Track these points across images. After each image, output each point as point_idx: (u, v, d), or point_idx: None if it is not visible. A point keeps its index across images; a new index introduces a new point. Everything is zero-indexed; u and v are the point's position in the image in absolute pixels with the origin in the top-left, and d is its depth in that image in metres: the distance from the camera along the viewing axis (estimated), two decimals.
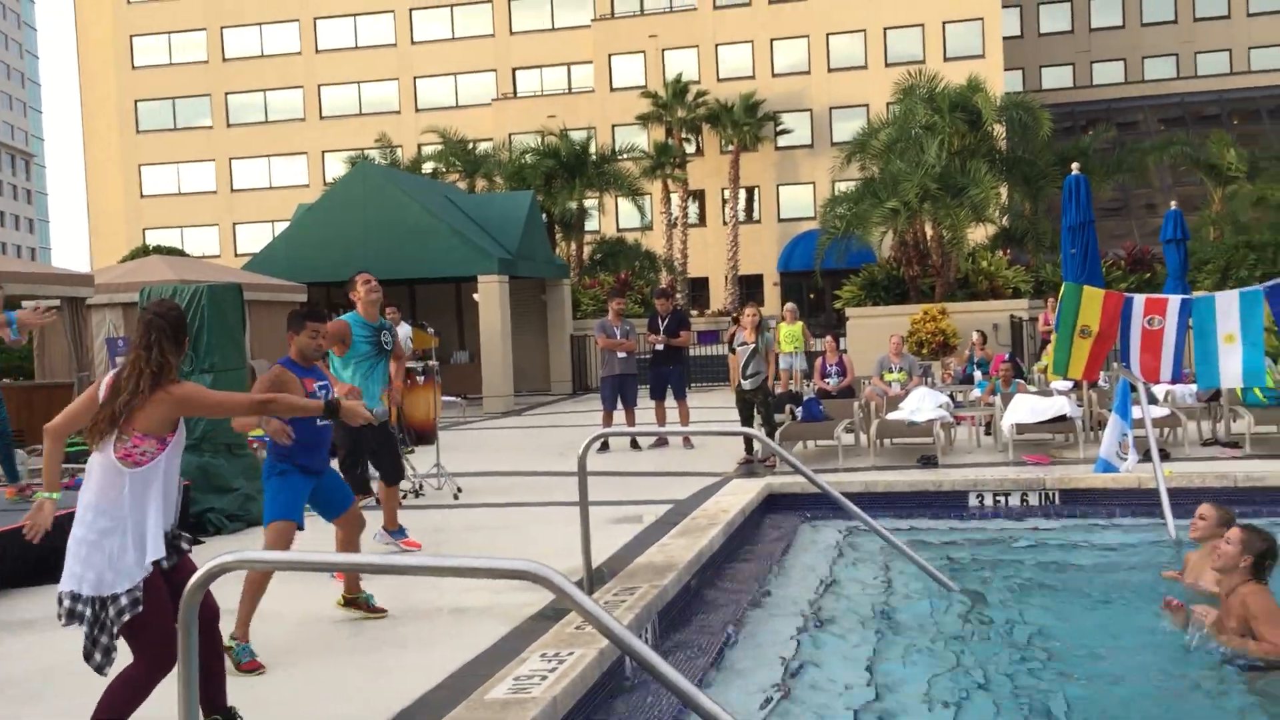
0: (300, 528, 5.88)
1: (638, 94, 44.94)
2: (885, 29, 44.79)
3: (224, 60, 52.90)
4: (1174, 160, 33.15)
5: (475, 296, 20.86)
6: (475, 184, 36.00)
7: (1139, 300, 11.16)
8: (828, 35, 45.46)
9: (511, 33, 50.96)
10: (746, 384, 11.97)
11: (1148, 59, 52.68)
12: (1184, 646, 5.62)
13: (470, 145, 37.66)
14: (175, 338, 4.26)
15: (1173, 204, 17.10)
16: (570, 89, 49.91)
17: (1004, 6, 45.69)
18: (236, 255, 47.99)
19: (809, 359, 17.12)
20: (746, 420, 12.07)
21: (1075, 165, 13.02)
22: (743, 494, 9.16)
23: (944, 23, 44.13)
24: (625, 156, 39.13)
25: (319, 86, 52.13)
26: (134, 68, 53.40)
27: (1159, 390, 11.99)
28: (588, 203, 36.85)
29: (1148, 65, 52.54)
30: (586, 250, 36.63)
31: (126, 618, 4.02)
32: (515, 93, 50.52)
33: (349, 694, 5.06)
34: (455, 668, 5.20)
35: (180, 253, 35.50)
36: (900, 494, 9.52)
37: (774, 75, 45.83)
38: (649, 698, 4.88)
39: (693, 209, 46.24)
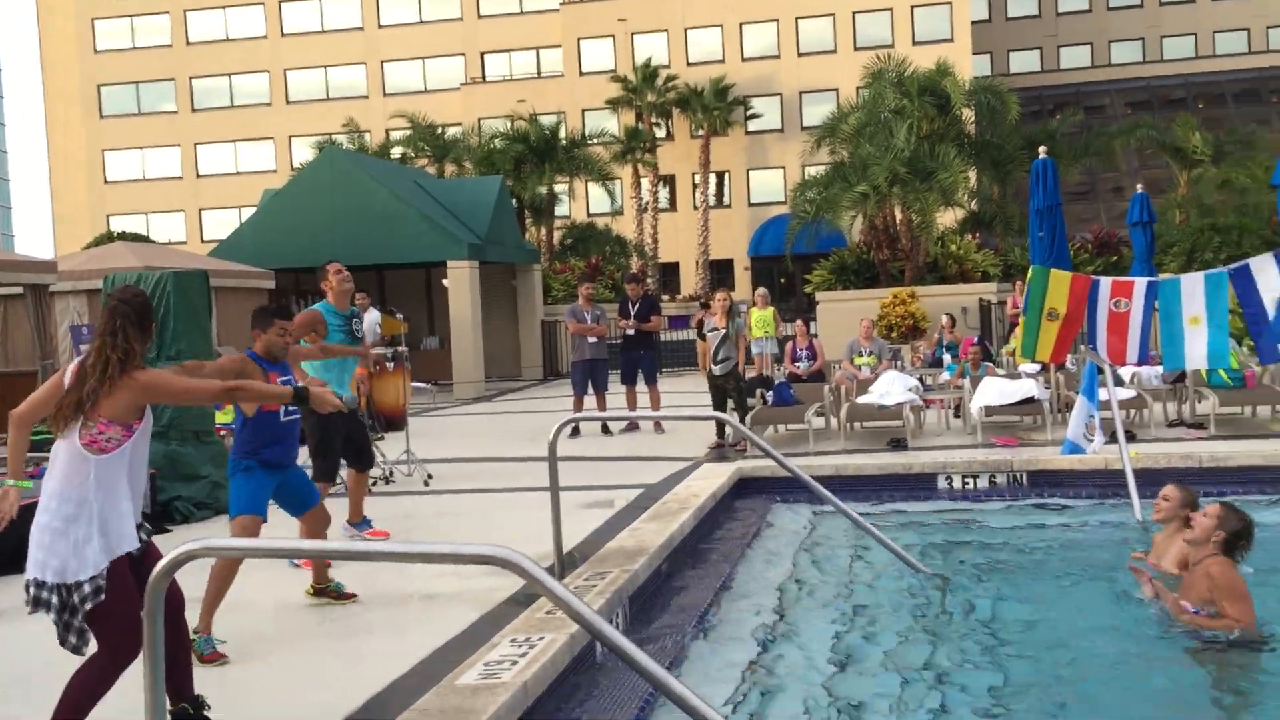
0: (264, 520, 5.85)
1: (607, 78, 44.78)
2: (854, 13, 44.82)
3: (188, 44, 52.28)
4: (1140, 144, 33.37)
5: (445, 282, 20.76)
6: (444, 169, 35.78)
7: (1105, 283, 11.25)
8: (797, 19, 45.44)
9: (480, 16, 50.63)
10: (717, 369, 11.98)
11: (1114, 43, 53.01)
12: (1149, 619, 5.69)
13: (439, 130, 37.40)
14: (141, 324, 4.22)
15: (1139, 187, 17.22)
16: (539, 73, 49.67)
17: None
18: (203, 241, 47.52)
19: (780, 343, 17.16)
20: (718, 405, 12.09)
21: (1043, 149, 13.06)
22: (714, 478, 9.17)
23: (912, 7, 44.21)
24: (595, 141, 39.01)
25: (285, 71, 51.61)
26: (96, 51, 52.69)
27: (1125, 372, 12.09)
28: (558, 188, 36.72)
29: (1114, 49, 52.87)
30: (557, 235, 36.52)
31: (89, 606, 3.99)
32: (484, 77, 50.22)
33: (319, 681, 5.04)
34: (426, 654, 5.18)
35: (145, 239, 35.12)
36: (870, 477, 9.57)
37: (744, 59, 45.79)
38: (620, 682, 4.88)
39: (663, 194, 46.18)
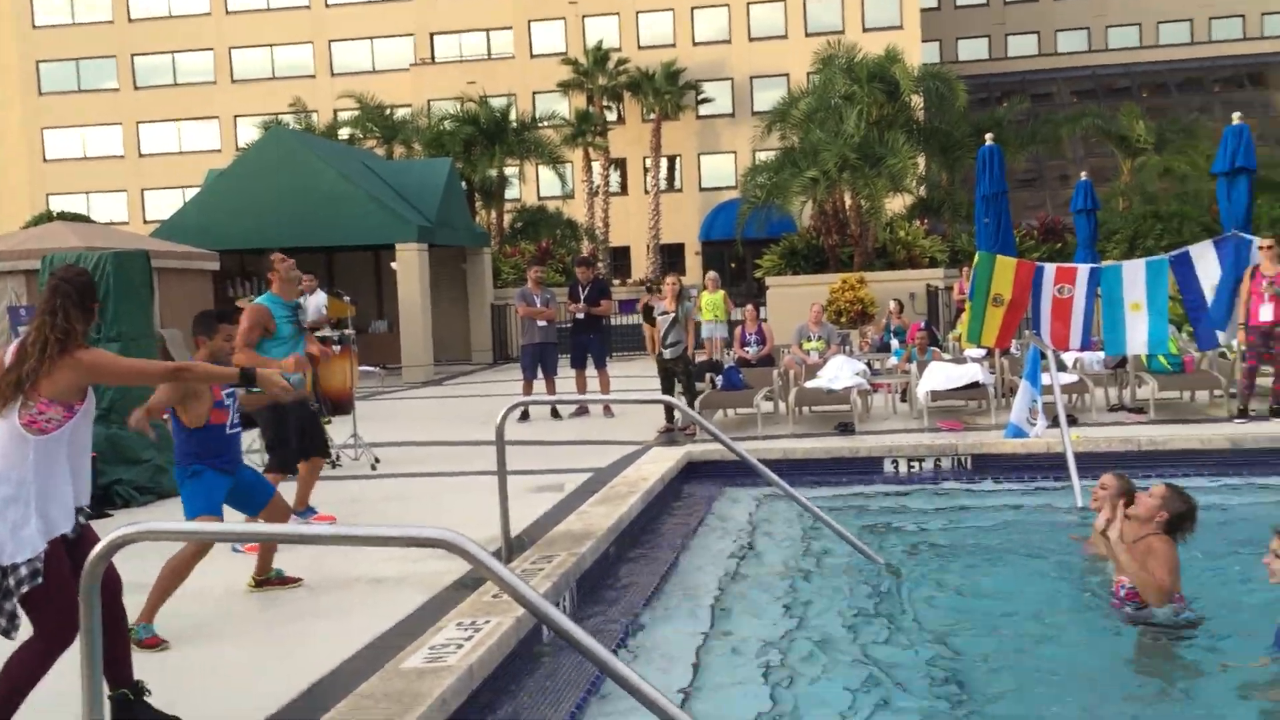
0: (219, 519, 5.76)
1: (558, 61, 44.53)
2: None
3: (130, 20, 51.23)
4: (1086, 132, 33.79)
5: (393, 265, 20.58)
6: (393, 150, 35.42)
7: (1049, 269, 11.40)
8: (748, 4, 45.46)
9: None
10: (667, 353, 12.00)
11: (1061, 32, 53.59)
12: (1089, 602, 5.79)
13: (388, 111, 37.00)
14: (82, 304, 4.18)
15: (1084, 174, 17.44)
16: (490, 55, 49.28)
17: None
18: (145, 222, 46.70)
19: (730, 328, 17.21)
20: (667, 389, 12.10)
21: (989, 136, 13.19)
22: (663, 462, 9.20)
23: None
24: (546, 124, 38.79)
25: (230, 49, 50.76)
26: (35, 27, 51.49)
27: (1068, 357, 12.27)
28: (508, 170, 36.50)
29: (1061, 38, 53.46)
30: (507, 218, 36.31)
31: (25, 589, 3.92)
32: (434, 58, 49.73)
33: (262, 666, 4.99)
34: (371, 638, 5.14)
35: (86, 219, 34.43)
36: (818, 460, 9.65)
37: (695, 44, 45.75)
38: (566, 665, 4.89)
39: (614, 177, 46.07)
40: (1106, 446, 9.14)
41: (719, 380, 12.65)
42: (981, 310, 11.27)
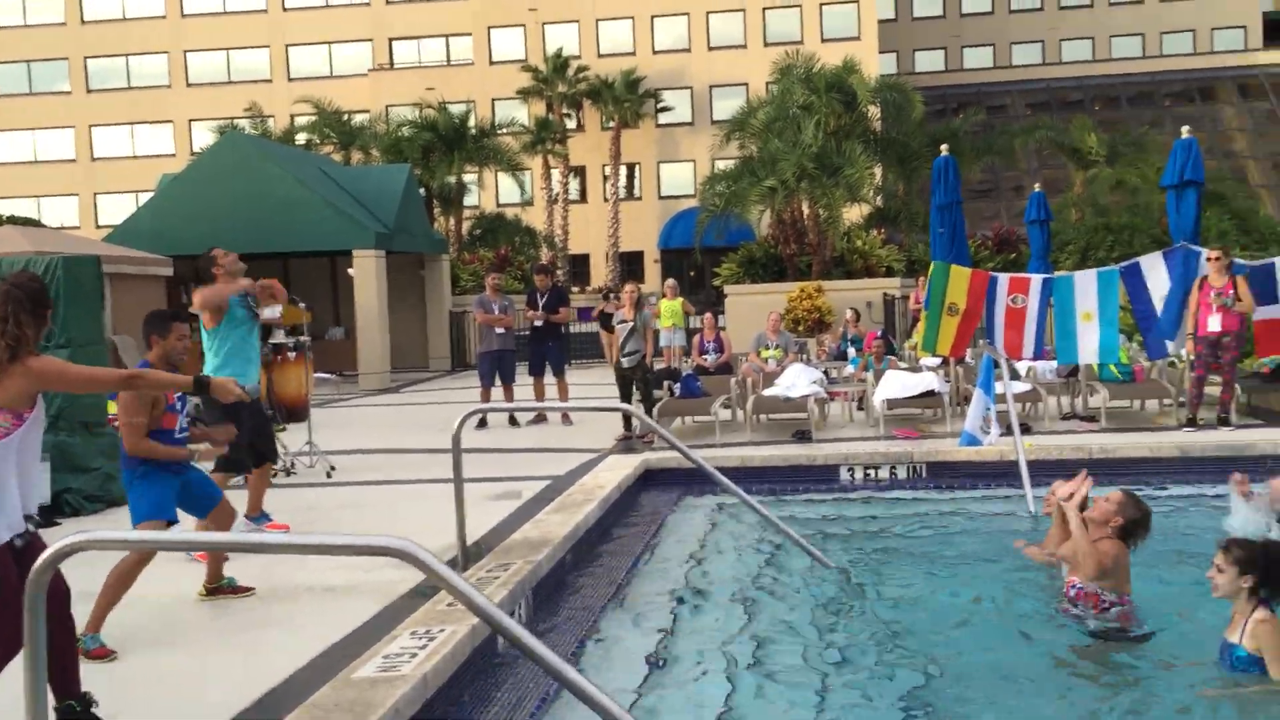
0: (174, 522, 5.67)
1: (518, 68, 44.50)
2: (764, 9, 45.21)
3: (83, 23, 50.61)
4: (1039, 144, 34.21)
5: (350, 271, 20.42)
6: (350, 156, 35.17)
7: (1003, 279, 11.56)
8: (708, 13, 45.68)
9: (388, 3, 49.93)
10: (625, 360, 12.00)
11: (1015, 45, 54.30)
12: (1040, 610, 5.85)
13: (345, 116, 36.77)
14: (34, 310, 4.12)
15: (1037, 186, 17.67)
16: (449, 61, 49.14)
17: None
18: (98, 226, 46.09)
19: (688, 335, 17.25)
20: (625, 397, 12.11)
21: (944, 147, 13.35)
22: (620, 470, 9.19)
23: (821, 4, 44.75)
24: (505, 131, 38.70)
25: (185, 52, 50.26)
26: None
27: (1021, 366, 12.41)
28: (467, 177, 36.36)
29: (1015, 51, 54.16)
30: (466, 225, 36.17)
31: None
32: (392, 64, 49.51)
33: (212, 676, 4.93)
34: (324, 647, 5.10)
35: (36, 223, 33.90)
36: (775, 468, 9.68)
37: (655, 52, 45.89)
38: (522, 674, 4.87)
39: (574, 185, 46.07)
40: (1059, 454, 9.24)
41: (677, 388, 12.67)
42: (937, 319, 11.40)
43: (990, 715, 4.73)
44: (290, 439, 11.41)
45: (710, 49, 45.71)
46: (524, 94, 44.07)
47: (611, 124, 44.51)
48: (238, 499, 7.79)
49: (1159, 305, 11.25)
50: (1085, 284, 11.34)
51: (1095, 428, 11.33)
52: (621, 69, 44.14)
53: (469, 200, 38.23)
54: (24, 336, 4.04)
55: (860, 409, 13.14)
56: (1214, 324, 10.62)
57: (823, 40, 42.60)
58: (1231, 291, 10.59)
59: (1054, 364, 12.62)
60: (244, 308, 7.61)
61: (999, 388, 9.54)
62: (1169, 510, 7.92)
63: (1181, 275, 11.02)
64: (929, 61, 54.09)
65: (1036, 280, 11.56)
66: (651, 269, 44.50)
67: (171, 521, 5.64)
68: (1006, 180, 43.26)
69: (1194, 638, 5.22)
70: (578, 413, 13.91)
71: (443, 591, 5.15)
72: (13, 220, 32.19)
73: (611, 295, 17.54)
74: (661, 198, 46.19)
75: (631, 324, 11.98)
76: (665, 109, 45.80)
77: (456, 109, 37.53)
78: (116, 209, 46.53)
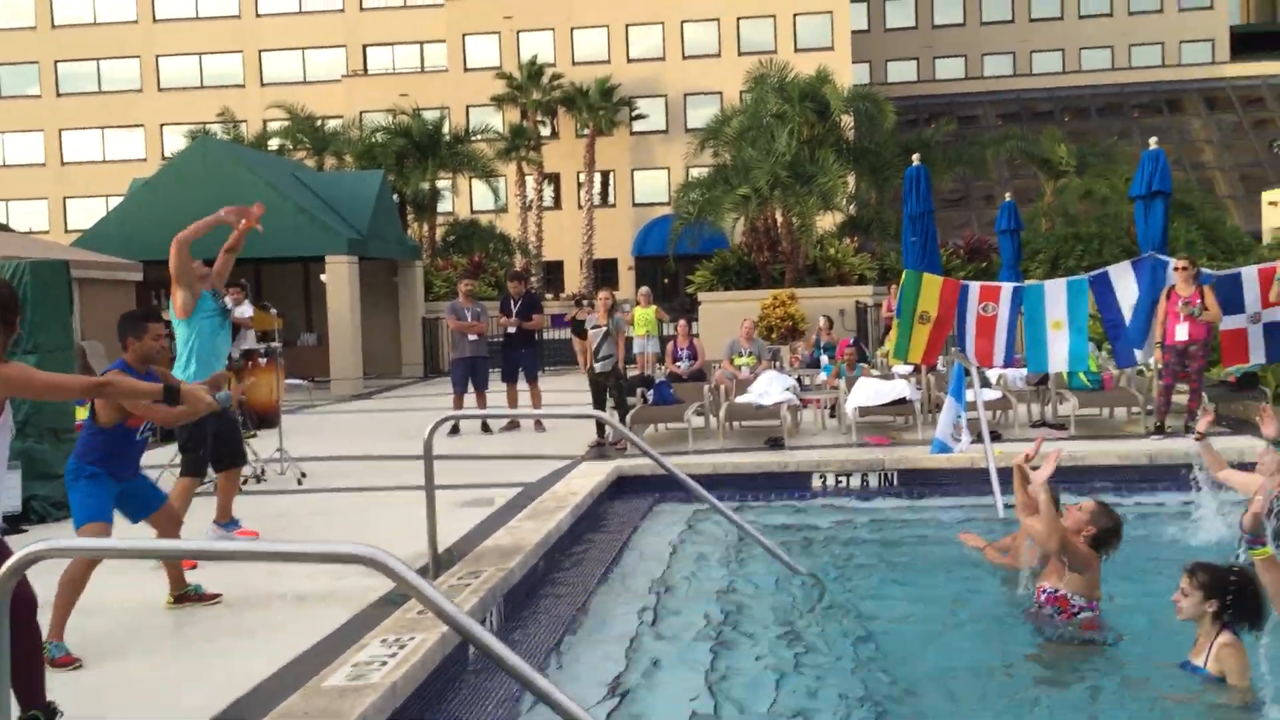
0: (109, 523, 5.62)
1: (492, 75, 44.44)
2: (738, 18, 45.37)
3: (53, 26, 50.19)
4: (1010, 154, 34.48)
5: (323, 278, 20.32)
6: (324, 162, 35.06)
7: (974, 288, 11.65)
8: (682, 23, 45.79)
9: (362, 9, 49.79)
10: (598, 367, 12.01)
11: (987, 56, 54.70)
12: (1011, 614, 5.89)
13: (319, 122, 36.66)
14: (3, 317, 4.08)
15: (1008, 196, 17.80)
16: (423, 68, 49.04)
17: (852, 1, 46.77)
18: (67, 231, 45.67)
19: (661, 343, 17.25)
20: (598, 403, 12.11)
21: (916, 156, 13.41)
22: (592, 477, 9.19)
23: (795, 14, 44.95)
24: (479, 138, 38.67)
25: (157, 57, 49.92)
26: None
27: (992, 374, 12.49)
28: (441, 184, 36.29)
29: (987, 62, 54.56)
30: (439, 232, 36.09)
31: None
32: (366, 70, 49.37)
33: (180, 686, 4.88)
34: (293, 655, 5.06)
35: (5, 228, 33.56)
36: (747, 475, 9.71)
37: (629, 60, 45.95)
38: (492, 682, 4.86)
39: (548, 192, 46.04)
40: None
41: (650, 395, 12.68)
42: (908, 327, 11.47)
43: (955, 716, 4.76)
44: (261, 445, 11.33)
45: (685, 58, 45.82)
46: (498, 101, 44.03)
47: (586, 131, 44.54)
48: (208, 506, 7.74)
49: (1127, 314, 11.36)
50: (1055, 293, 11.44)
51: (1065, 435, 11.41)
52: (596, 77, 44.19)
53: (443, 206, 38.16)
54: None
55: (833, 416, 13.19)
56: (1181, 333, 10.73)
57: (796, 50, 42.78)
58: (1198, 301, 10.71)
59: (1024, 372, 12.71)
60: (214, 299, 7.56)
61: (970, 395, 9.61)
62: (1136, 517, 7.99)
63: (1149, 284, 11.14)
64: (901, 72, 54.41)
65: (1007, 289, 11.65)
66: (625, 276, 44.53)
67: (109, 523, 5.60)
68: (978, 189, 43.57)
69: (1160, 644, 5.27)
70: (551, 419, 13.89)
71: (413, 599, 5.13)
72: None
73: (584, 302, 17.52)
74: (635, 205, 46.23)
75: (605, 328, 11.98)
76: (640, 117, 45.88)
77: (431, 115, 37.45)
78: (86, 213, 46.10)
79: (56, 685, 4.42)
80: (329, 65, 49.16)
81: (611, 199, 46.82)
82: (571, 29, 46.24)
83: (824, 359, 14.96)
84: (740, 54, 43.61)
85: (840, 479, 9.66)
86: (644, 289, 18.33)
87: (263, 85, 48.81)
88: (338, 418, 16.60)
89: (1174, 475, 9.16)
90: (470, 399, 13.83)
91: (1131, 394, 12.08)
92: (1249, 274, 11.14)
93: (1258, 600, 4.58)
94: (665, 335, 17.73)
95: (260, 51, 49.71)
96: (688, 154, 30.14)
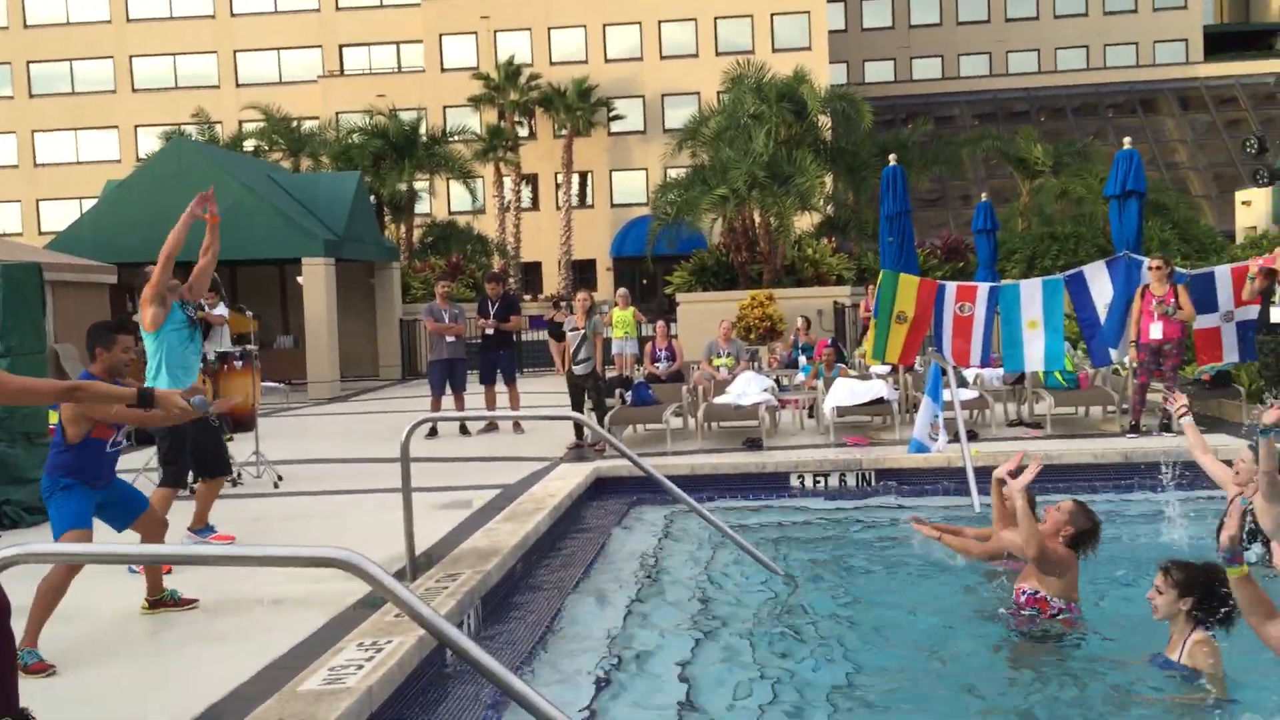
0: (90, 530, 5.58)
1: (469, 75, 44.34)
2: (715, 18, 45.42)
3: (25, 26, 49.75)
4: (986, 154, 34.65)
5: (300, 280, 20.23)
6: (300, 163, 34.88)
7: (951, 287, 11.70)
8: (659, 23, 45.81)
9: (338, 9, 49.57)
10: (577, 369, 12.00)
11: (963, 56, 54.98)
12: (988, 612, 5.92)
13: (294, 123, 36.45)
14: None
15: (984, 195, 17.88)
16: (400, 68, 48.89)
17: (829, 1, 46.91)
18: (40, 233, 45.28)
19: (640, 344, 17.25)
20: (577, 405, 12.09)
21: (893, 157, 13.47)
22: (571, 478, 9.18)
23: (772, 14, 45.04)
24: (456, 138, 38.59)
25: (130, 57, 49.57)
26: None
27: (968, 374, 12.55)
28: (418, 185, 36.17)
29: (963, 62, 54.83)
30: (417, 233, 35.98)
31: None
32: (342, 70, 49.16)
33: (156, 691, 4.84)
34: (269, 660, 5.03)
35: None
36: (725, 476, 9.72)
37: (607, 61, 45.94)
38: (470, 685, 4.84)
39: (525, 193, 45.98)
40: (1005, 461, 9.33)
41: (629, 396, 12.68)
42: (886, 327, 11.51)
43: (931, 713, 4.78)
44: (237, 449, 11.26)
45: (662, 58, 45.85)
46: (476, 102, 43.92)
47: (564, 132, 44.50)
48: (186, 510, 7.69)
49: (1102, 313, 11.43)
50: (1031, 292, 11.51)
51: (1041, 434, 11.48)
52: (574, 77, 44.16)
53: (420, 208, 38.04)
54: None
55: (811, 417, 13.22)
56: (1155, 332, 10.81)
57: (774, 50, 42.88)
58: (1173, 300, 10.79)
59: (1000, 371, 12.78)
60: (184, 312, 7.49)
61: (946, 395, 9.64)
62: (1112, 515, 8.04)
63: (1124, 284, 11.21)
64: (878, 72, 54.61)
65: (983, 289, 11.71)
66: (604, 277, 44.51)
67: (89, 530, 5.56)
68: (954, 189, 43.77)
69: (1135, 642, 5.30)
70: (529, 421, 13.88)
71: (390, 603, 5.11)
72: None
73: (561, 304, 17.51)
74: (613, 206, 46.23)
75: (583, 331, 11.98)
76: (617, 117, 45.87)
77: (407, 116, 37.34)
78: (60, 215, 45.72)
79: (30, 692, 4.38)
80: (305, 66, 48.93)
81: (589, 200, 46.80)
82: (549, 29, 46.19)
83: (802, 359, 15.00)
84: (718, 54, 43.66)
85: (818, 479, 9.69)
86: (622, 290, 18.35)
87: (238, 86, 48.54)
88: (315, 420, 16.53)
89: (1149, 473, 9.24)
90: (448, 401, 13.79)
91: (1107, 393, 12.16)
92: (1222, 273, 11.23)
93: (1231, 598, 4.62)
94: (644, 336, 17.74)
95: (235, 52, 49.44)
96: (665, 154, 30.16)
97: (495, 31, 46.21)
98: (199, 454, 7.51)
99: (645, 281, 41.42)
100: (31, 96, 49.91)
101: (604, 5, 45.72)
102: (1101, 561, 6.33)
